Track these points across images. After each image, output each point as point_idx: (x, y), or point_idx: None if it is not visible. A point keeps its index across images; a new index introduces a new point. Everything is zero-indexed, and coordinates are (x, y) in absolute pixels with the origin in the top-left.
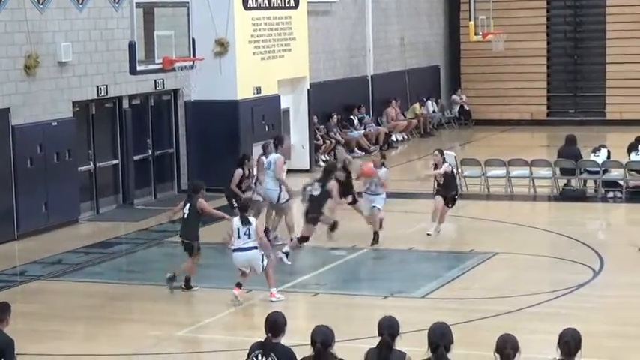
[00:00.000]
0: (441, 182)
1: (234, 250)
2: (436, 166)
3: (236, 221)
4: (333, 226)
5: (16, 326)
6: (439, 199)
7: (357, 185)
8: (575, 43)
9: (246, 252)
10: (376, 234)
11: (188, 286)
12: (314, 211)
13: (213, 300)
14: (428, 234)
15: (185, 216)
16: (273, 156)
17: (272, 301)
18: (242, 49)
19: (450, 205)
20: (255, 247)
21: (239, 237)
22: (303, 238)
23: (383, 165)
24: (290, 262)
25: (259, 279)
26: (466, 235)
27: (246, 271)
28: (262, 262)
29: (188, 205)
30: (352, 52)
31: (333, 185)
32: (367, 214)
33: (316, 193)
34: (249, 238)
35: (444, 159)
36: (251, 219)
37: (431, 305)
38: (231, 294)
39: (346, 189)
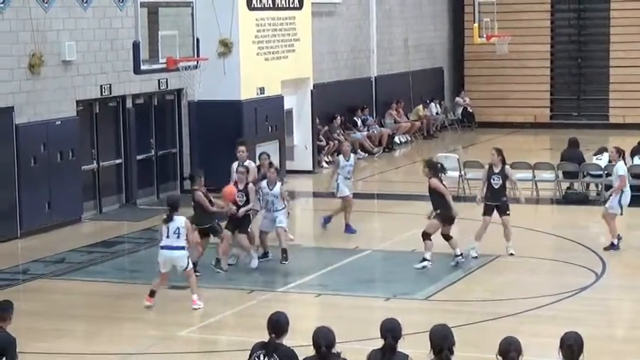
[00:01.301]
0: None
1: (162, 247)
2: (491, 167)
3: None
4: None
5: (18, 325)
6: (489, 218)
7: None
8: (578, 46)
9: (173, 251)
10: (284, 250)
11: (218, 266)
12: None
13: (215, 300)
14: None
15: (193, 205)
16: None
17: (194, 308)
18: (246, 50)
19: (508, 213)
20: (183, 248)
21: (168, 236)
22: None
23: (277, 182)
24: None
25: (260, 280)
26: (469, 237)
27: (165, 272)
28: (187, 263)
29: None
30: (356, 53)
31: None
32: (268, 230)
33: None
34: (178, 237)
35: (502, 159)
36: (179, 218)
37: (433, 307)
38: (144, 304)
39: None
